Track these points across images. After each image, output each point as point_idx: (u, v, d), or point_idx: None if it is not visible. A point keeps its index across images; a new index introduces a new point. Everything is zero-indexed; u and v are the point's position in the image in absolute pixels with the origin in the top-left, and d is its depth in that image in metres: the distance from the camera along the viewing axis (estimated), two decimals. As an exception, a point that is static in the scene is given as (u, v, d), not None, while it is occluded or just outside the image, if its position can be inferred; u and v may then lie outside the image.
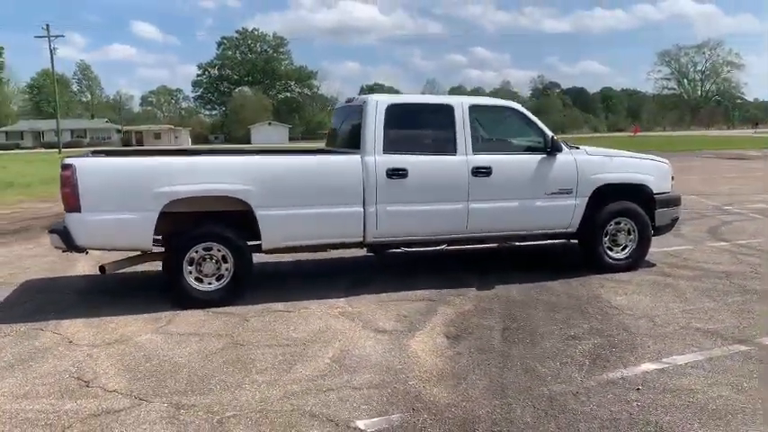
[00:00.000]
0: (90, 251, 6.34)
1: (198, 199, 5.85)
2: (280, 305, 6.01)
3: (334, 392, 4.03)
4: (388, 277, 7.00)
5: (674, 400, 3.84)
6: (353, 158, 6.27)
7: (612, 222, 7.07)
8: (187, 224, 6.01)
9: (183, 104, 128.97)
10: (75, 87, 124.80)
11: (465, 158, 6.50)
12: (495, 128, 7.13)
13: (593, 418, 3.64)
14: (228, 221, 6.05)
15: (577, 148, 7.17)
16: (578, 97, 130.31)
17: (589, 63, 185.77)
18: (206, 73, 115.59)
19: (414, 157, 6.40)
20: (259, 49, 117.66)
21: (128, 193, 5.70)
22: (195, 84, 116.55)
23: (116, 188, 5.71)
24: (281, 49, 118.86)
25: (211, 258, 6.01)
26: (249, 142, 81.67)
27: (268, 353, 4.76)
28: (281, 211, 6.03)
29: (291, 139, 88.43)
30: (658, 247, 8.03)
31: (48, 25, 60.56)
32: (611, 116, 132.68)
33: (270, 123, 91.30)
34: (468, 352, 4.75)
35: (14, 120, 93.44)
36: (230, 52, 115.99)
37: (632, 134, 79.29)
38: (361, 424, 3.60)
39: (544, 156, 6.75)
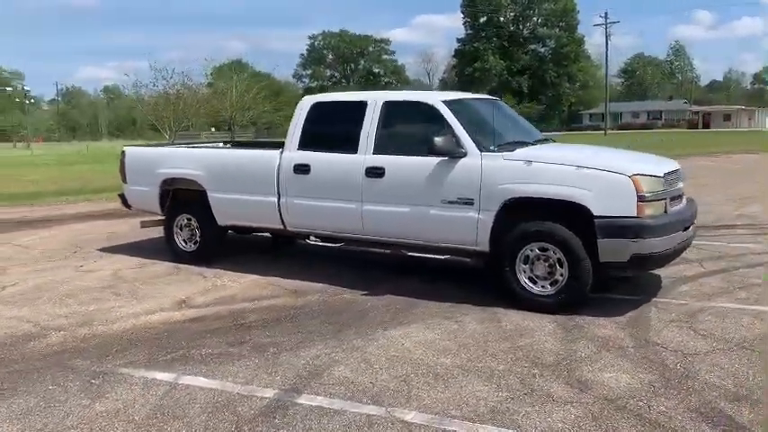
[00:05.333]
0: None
1: (177, 180, 7.75)
2: (210, 272, 7.40)
3: (48, 318, 5.64)
4: (319, 267, 7.31)
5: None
6: (272, 154, 7.04)
7: (535, 248, 5.62)
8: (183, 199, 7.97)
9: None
10: (667, 69, 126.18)
11: (362, 158, 6.39)
12: (412, 126, 6.46)
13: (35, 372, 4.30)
14: (203, 201, 7.71)
15: (522, 146, 5.94)
16: None
17: None
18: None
19: (317, 154, 6.69)
20: None
21: (146, 172, 8.05)
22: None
23: (142, 169, 8.13)
24: None
25: (189, 227, 7.85)
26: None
27: (110, 291, 6.48)
28: (224, 195, 7.36)
29: None
30: (698, 301, 5.85)
31: (606, 13, 63.90)
32: None
33: None
34: (168, 323, 5.47)
35: (596, 103, 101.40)
36: None
37: None
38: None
39: (445, 159, 5.95)
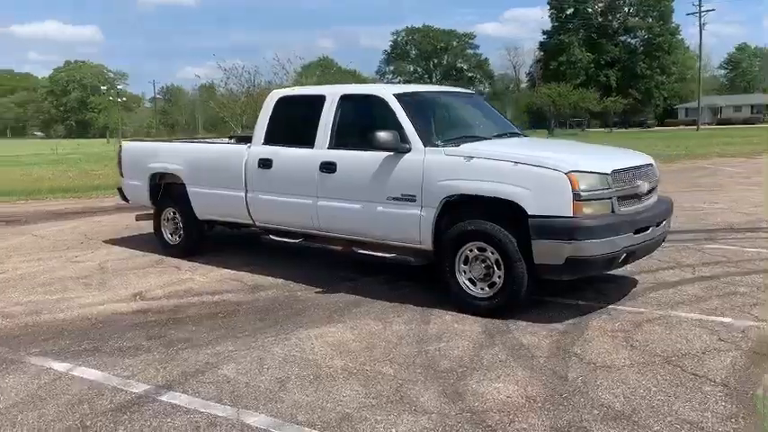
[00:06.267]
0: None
1: (164, 174, 7.93)
2: (188, 265, 7.53)
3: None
4: (296, 264, 7.24)
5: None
6: (241, 148, 7.08)
7: (474, 248, 5.36)
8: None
9: None
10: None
11: (318, 153, 6.31)
12: (365, 120, 6.22)
13: None
14: (184, 195, 7.82)
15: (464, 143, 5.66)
16: None
17: None
18: None
19: (279, 148, 6.66)
20: None
21: (138, 167, 8.29)
22: None
23: (134, 163, 8.38)
24: None
25: (174, 220, 8.02)
26: None
27: (82, 281, 6.73)
28: (201, 189, 7.47)
29: None
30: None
31: (699, 0, 60.28)
32: None
33: None
34: (110, 314, 5.62)
35: (694, 97, 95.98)
36: None
37: None
38: None
39: (391, 154, 5.78)
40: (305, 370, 4.22)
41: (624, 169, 5.18)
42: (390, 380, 4.02)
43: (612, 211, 4.99)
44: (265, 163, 6.61)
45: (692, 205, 10.99)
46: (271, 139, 6.71)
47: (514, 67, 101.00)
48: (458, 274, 5.36)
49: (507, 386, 3.88)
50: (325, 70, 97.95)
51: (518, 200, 4.94)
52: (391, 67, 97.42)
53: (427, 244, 5.56)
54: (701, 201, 11.62)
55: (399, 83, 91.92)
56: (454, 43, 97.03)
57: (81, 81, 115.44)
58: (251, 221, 7.01)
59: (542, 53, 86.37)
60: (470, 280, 5.33)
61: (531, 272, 5.03)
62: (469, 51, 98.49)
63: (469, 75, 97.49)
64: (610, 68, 79.39)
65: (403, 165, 5.59)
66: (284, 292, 6.25)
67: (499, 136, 6.23)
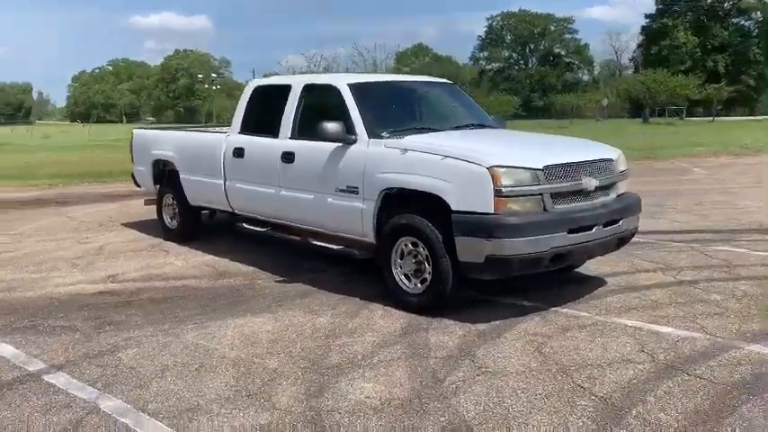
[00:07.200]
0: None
1: (165, 161, 8.25)
2: (179, 250, 7.81)
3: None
4: (275, 254, 7.32)
5: None
6: (220, 137, 7.25)
7: (408, 243, 5.26)
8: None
9: None
10: None
11: (280, 143, 6.37)
12: (323, 111, 6.13)
13: None
14: (179, 181, 8.08)
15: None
16: None
17: None
18: None
19: (251, 138, 6.76)
20: None
21: (143, 153, 8.66)
22: None
23: (141, 149, 8.76)
24: None
25: (172, 206, 8.33)
26: None
27: (72, 262, 7.14)
28: (190, 176, 7.73)
29: None
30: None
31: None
32: None
33: None
34: (72, 295, 5.95)
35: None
36: None
37: None
38: None
39: (340, 145, 5.75)
40: (196, 359, 4.28)
41: (562, 164, 4.87)
42: (268, 373, 4.01)
43: (544, 209, 4.71)
44: (239, 152, 6.71)
45: (735, 203, 10.23)
46: (245, 128, 6.80)
47: (616, 53, 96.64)
48: (394, 269, 5.25)
49: (376, 386, 3.77)
50: (419, 58, 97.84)
51: (442, 194, 4.77)
52: (485, 53, 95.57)
53: (370, 237, 5.47)
54: (749, 198, 10.79)
55: (492, 69, 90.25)
56: (552, 28, 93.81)
57: (189, 69, 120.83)
58: (230, 209, 7.13)
59: (644, 38, 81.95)
60: (405, 275, 5.20)
61: (457, 270, 4.83)
62: (567, 36, 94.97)
63: (567, 60, 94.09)
64: (718, 53, 74.23)
65: (349, 156, 5.52)
66: (246, 280, 6.33)
67: (459, 128, 6.01)
